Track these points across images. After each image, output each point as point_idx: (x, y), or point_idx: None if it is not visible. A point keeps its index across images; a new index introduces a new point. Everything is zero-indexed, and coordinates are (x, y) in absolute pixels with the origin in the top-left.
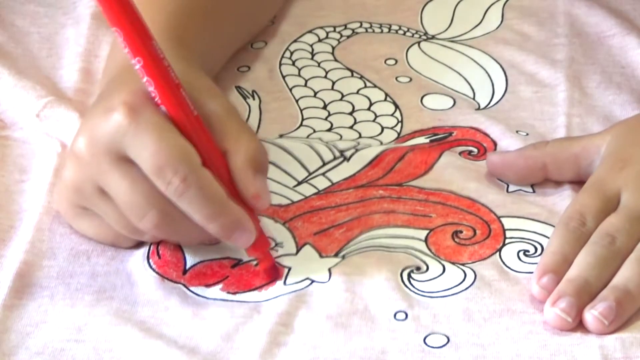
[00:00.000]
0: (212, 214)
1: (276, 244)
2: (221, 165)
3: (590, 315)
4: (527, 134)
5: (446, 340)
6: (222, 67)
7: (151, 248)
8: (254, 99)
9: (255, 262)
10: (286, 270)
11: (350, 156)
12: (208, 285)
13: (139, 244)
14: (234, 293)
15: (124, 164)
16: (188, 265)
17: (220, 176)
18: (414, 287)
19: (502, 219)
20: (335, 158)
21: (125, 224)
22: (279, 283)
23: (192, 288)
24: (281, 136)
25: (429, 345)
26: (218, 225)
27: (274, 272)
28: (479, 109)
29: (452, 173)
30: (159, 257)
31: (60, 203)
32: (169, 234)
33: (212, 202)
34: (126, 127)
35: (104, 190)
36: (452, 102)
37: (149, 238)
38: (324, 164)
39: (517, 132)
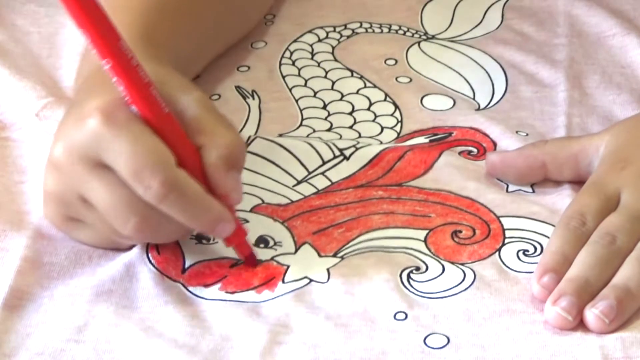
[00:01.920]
0: (194, 214)
1: (275, 243)
2: (195, 163)
3: (591, 314)
4: (527, 134)
5: (446, 340)
6: (211, 67)
7: (150, 244)
8: (253, 98)
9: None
10: (285, 268)
11: (350, 155)
12: (206, 285)
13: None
14: (232, 293)
15: (102, 171)
16: (187, 265)
17: (195, 173)
18: (413, 287)
19: (502, 219)
20: (335, 157)
21: (112, 231)
22: (278, 282)
23: (190, 288)
24: (281, 135)
25: (429, 346)
26: (201, 224)
27: (252, 260)
28: (479, 109)
29: (451, 173)
30: (158, 253)
31: (49, 215)
32: (152, 237)
33: (192, 202)
34: (101, 133)
35: (85, 199)
36: (452, 103)
37: (135, 242)
38: (324, 163)
39: (517, 132)
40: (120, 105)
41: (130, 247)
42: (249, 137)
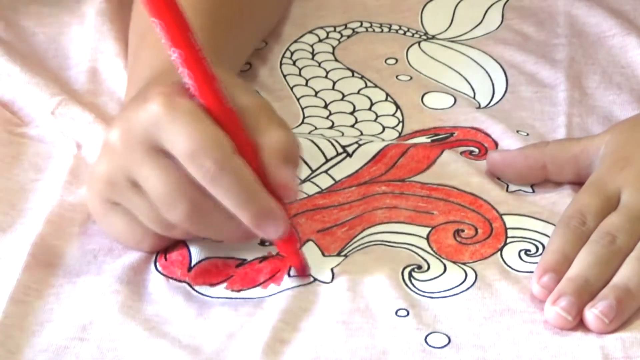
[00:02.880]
0: (244, 201)
1: None
2: (252, 157)
3: (591, 314)
4: (528, 134)
5: (447, 340)
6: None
7: (158, 252)
8: None
9: (259, 259)
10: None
11: (353, 152)
12: (212, 285)
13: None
14: (238, 290)
15: (158, 154)
16: (193, 262)
17: (252, 167)
18: (414, 286)
19: (504, 217)
20: (337, 154)
21: (156, 218)
22: (284, 276)
23: (196, 287)
24: None
25: (430, 345)
26: (250, 213)
27: (301, 270)
28: (479, 108)
29: (455, 168)
30: (166, 260)
31: (92, 198)
32: (200, 228)
33: (244, 188)
34: (161, 116)
35: (136, 182)
36: (452, 101)
37: (180, 233)
38: (327, 161)
39: (517, 131)
40: (182, 92)
41: (151, 249)
42: None
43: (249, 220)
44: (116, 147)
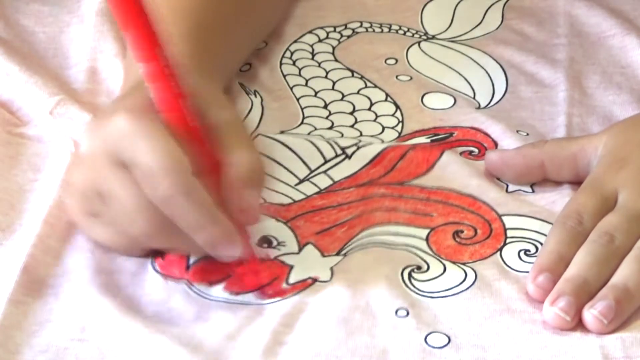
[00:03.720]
0: (197, 223)
1: (278, 243)
2: (217, 176)
3: (590, 315)
4: (528, 134)
5: (447, 340)
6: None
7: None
8: (256, 97)
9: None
10: (288, 267)
11: (352, 153)
12: (211, 283)
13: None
14: (237, 293)
15: (120, 169)
16: (191, 261)
17: (213, 188)
18: (414, 286)
19: (503, 218)
20: (336, 155)
21: (124, 231)
22: (282, 284)
23: (195, 285)
24: (282, 132)
25: (430, 345)
26: (202, 237)
27: (259, 292)
28: (479, 108)
29: (454, 171)
30: (163, 260)
31: (72, 211)
32: (162, 243)
33: (198, 210)
34: (125, 131)
35: (103, 195)
36: (452, 101)
37: (145, 246)
38: (326, 162)
39: (517, 131)
40: (148, 108)
41: (142, 254)
42: (251, 133)
43: (202, 244)
44: (85, 160)
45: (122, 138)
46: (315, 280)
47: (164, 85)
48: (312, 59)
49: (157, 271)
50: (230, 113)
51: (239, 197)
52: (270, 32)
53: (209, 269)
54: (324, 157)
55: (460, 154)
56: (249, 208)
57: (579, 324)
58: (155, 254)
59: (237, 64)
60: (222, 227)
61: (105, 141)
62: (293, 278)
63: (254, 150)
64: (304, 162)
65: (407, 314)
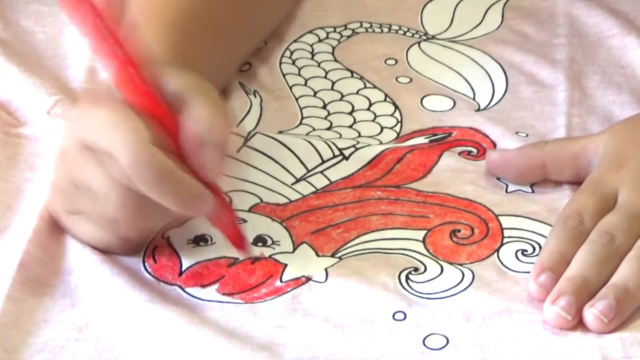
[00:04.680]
0: (165, 190)
1: (273, 242)
2: (177, 139)
3: (590, 314)
4: (527, 135)
5: (445, 341)
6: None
7: (147, 252)
8: (255, 97)
9: (252, 259)
10: (283, 266)
11: (350, 155)
12: (204, 286)
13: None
14: (230, 294)
15: (88, 153)
16: (184, 268)
17: (175, 151)
18: (412, 288)
19: (500, 217)
20: (334, 156)
21: (100, 217)
22: (275, 281)
23: (187, 289)
24: (280, 132)
25: (428, 347)
26: (171, 201)
27: (239, 241)
28: (479, 109)
29: (450, 177)
30: (155, 262)
31: (56, 211)
32: (137, 218)
33: (161, 178)
34: (82, 117)
35: (77, 184)
36: (452, 104)
37: (126, 231)
38: (323, 162)
39: (517, 133)
40: (107, 94)
41: (126, 251)
42: (249, 132)
43: (173, 207)
44: (60, 156)
45: (82, 123)
46: (309, 279)
47: (110, 52)
48: (312, 58)
49: (149, 273)
50: (190, 76)
51: (193, 155)
52: (270, 33)
53: (203, 273)
54: (321, 157)
55: (459, 154)
56: (203, 166)
57: (578, 324)
58: (145, 254)
59: (228, 63)
60: (188, 187)
61: (70, 130)
62: (287, 276)
63: (215, 107)
64: (301, 162)
65: (405, 317)
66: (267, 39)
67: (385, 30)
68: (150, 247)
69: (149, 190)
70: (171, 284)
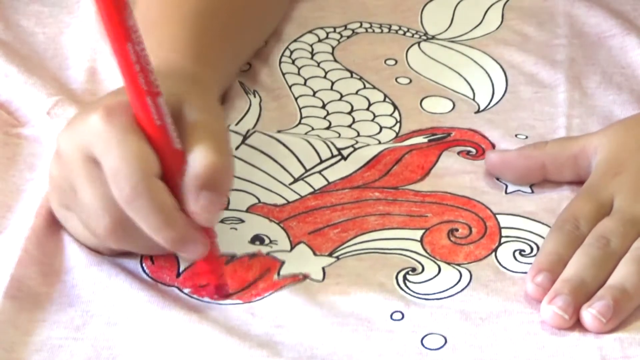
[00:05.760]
0: (158, 226)
1: (270, 241)
2: (181, 178)
3: (588, 314)
4: (527, 137)
5: (443, 341)
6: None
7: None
8: (254, 97)
9: (249, 255)
10: (280, 262)
11: (348, 155)
12: (202, 286)
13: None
14: (228, 294)
15: (91, 165)
16: (181, 269)
17: (178, 189)
18: (409, 289)
19: (498, 216)
20: (332, 156)
21: (90, 229)
22: (273, 275)
23: (185, 290)
24: (279, 132)
25: (426, 347)
26: (164, 238)
27: (218, 291)
28: (478, 110)
29: (448, 180)
30: (152, 263)
31: (52, 202)
32: (123, 243)
33: (159, 213)
34: (97, 128)
35: (75, 189)
36: (451, 106)
37: (110, 245)
38: (321, 162)
39: (516, 135)
40: (124, 107)
41: (110, 253)
42: (248, 130)
43: (164, 244)
44: (61, 154)
45: (94, 135)
46: (306, 277)
47: (130, 81)
48: (312, 58)
49: (147, 274)
50: (207, 115)
51: (190, 199)
52: (271, 32)
53: (200, 273)
54: (319, 157)
55: (458, 153)
56: (198, 211)
57: (577, 325)
58: (142, 256)
59: (236, 66)
60: (182, 229)
61: (79, 137)
62: (284, 271)
63: (221, 153)
64: (299, 161)
65: (403, 316)
66: (267, 38)
67: (385, 30)
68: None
69: (143, 223)
70: (169, 285)
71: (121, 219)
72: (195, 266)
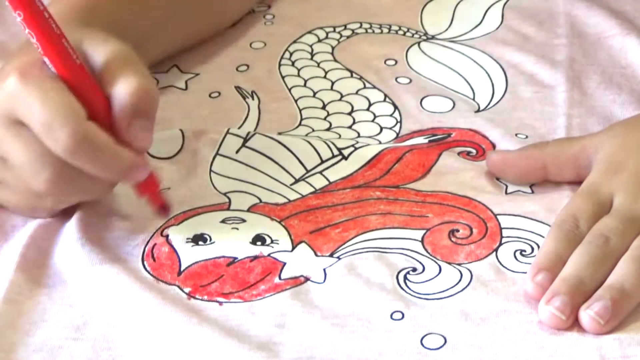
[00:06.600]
0: (104, 165)
1: (272, 241)
2: (106, 112)
3: (586, 315)
4: (527, 137)
5: (443, 341)
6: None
7: (145, 250)
8: (253, 99)
9: (251, 258)
10: (282, 264)
11: (349, 155)
12: (203, 286)
13: (131, 247)
14: (229, 294)
15: (17, 127)
16: (183, 267)
17: (106, 124)
18: (410, 289)
19: (499, 217)
20: (333, 156)
21: (25, 190)
22: (274, 278)
23: (186, 289)
24: (280, 134)
25: (425, 347)
26: (111, 174)
27: (165, 210)
28: (478, 110)
29: (449, 178)
30: (154, 260)
31: None
32: (67, 193)
33: (101, 153)
34: (15, 90)
35: (2, 157)
36: (451, 105)
37: (52, 202)
38: (322, 162)
39: (516, 135)
40: (36, 64)
41: (50, 216)
42: (248, 132)
43: (112, 178)
44: None
45: (15, 98)
46: (307, 279)
47: (42, 29)
48: (312, 59)
49: (147, 271)
50: (113, 46)
51: (123, 130)
52: (269, 32)
53: (201, 273)
54: (320, 157)
55: (458, 154)
56: (135, 139)
57: (576, 325)
58: (144, 251)
59: (149, 30)
60: (126, 159)
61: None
62: (286, 274)
63: (140, 75)
64: (300, 162)
65: (403, 316)
66: (266, 39)
67: (385, 30)
68: (149, 245)
69: (89, 166)
70: (170, 284)
71: (61, 169)
72: (139, 189)
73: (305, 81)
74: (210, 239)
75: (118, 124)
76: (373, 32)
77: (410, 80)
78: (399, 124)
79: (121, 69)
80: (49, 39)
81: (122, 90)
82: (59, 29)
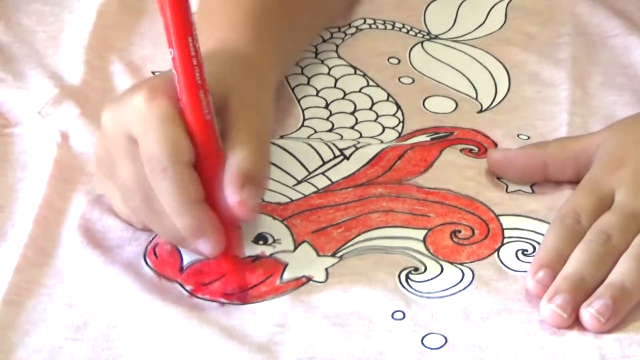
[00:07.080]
0: (178, 210)
1: (274, 240)
2: (216, 173)
3: (587, 313)
4: (528, 137)
5: (444, 340)
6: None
7: (148, 248)
8: None
9: (253, 258)
10: (283, 265)
11: (350, 154)
12: (204, 284)
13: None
14: (230, 294)
15: (130, 143)
16: (185, 264)
17: (211, 184)
18: (412, 287)
19: (501, 218)
20: (335, 157)
21: (124, 201)
22: (276, 281)
23: (188, 287)
24: (282, 137)
25: (426, 347)
26: (182, 223)
27: (238, 291)
28: (481, 109)
29: (451, 172)
30: (156, 257)
31: (95, 170)
32: (150, 221)
33: (180, 198)
34: (140, 109)
35: (114, 165)
36: (454, 105)
37: (138, 224)
38: (324, 163)
39: (518, 136)
40: (168, 91)
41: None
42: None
43: (182, 230)
44: (104, 128)
45: (135, 116)
46: (309, 279)
47: (186, 75)
48: (316, 57)
49: (150, 267)
50: (253, 114)
51: (230, 194)
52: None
53: (203, 271)
54: (322, 159)
55: (460, 151)
56: (237, 205)
57: (576, 324)
58: (147, 248)
59: (298, 46)
60: (198, 218)
61: (121, 115)
62: (287, 275)
63: (261, 152)
64: (302, 165)
65: (404, 316)
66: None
67: (389, 27)
68: (151, 244)
69: (165, 204)
70: (172, 281)
71: (149, 197)
72: (214, 265)
73: (309, 79)
74: None
75: (224, 187)
76: (377, 28)
77: (413, 80)
78: (401, 124)
79: (249, 139)
80: (187, 86)
81: (244, 155)
82: (203, 79)
